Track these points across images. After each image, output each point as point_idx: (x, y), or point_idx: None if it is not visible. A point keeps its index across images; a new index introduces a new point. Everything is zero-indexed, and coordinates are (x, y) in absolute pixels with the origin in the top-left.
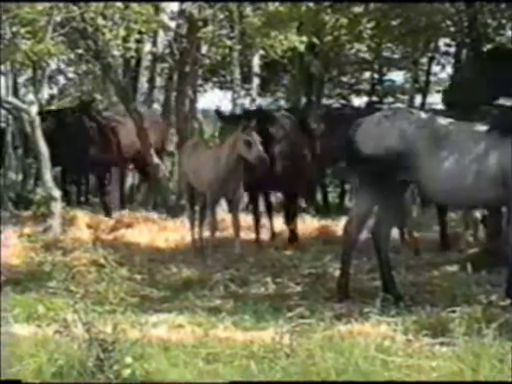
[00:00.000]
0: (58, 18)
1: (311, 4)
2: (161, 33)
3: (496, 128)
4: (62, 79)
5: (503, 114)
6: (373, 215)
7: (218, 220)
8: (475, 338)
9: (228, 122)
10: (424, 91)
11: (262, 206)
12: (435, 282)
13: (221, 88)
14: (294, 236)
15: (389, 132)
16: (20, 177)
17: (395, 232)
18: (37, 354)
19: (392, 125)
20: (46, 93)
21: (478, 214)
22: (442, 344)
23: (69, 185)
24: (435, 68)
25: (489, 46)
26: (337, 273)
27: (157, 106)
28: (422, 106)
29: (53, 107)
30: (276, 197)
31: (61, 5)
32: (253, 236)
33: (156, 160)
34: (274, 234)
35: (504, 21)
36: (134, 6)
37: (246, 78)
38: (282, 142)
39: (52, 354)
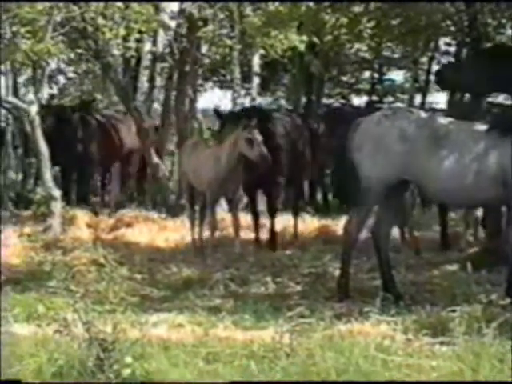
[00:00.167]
0: (58, 18)
1: (311, 4)
2: (161, 32)
3: (496, 127)
4: (62, 79)
5: (503, 113)
6: (373, 215)
7: (218, 219)
8: (475, 337)
9: (227, 120)
10: (424, 91)
11: (262, 207)
12: (435, 281)
13: (221, 87)
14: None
15: (389, 131)
16: (20, 176)
17: (396, 231)
18: (37, 353)
19: (392, 124)
20: (45, 92)
21: (478, 214)
22: (441, 343)
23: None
24: (435, 67)
25: (489, 45)
26: (337, 272)
27: (157, 106)
28: (422, 106)
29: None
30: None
31: (61, 4)
32: (252, 236)
33: (156, 159)
34: (275, 234)
35: (504, 20)
36: (134, 5)
37: (246, 78)
38: (281, 140)
39: (52, 353)
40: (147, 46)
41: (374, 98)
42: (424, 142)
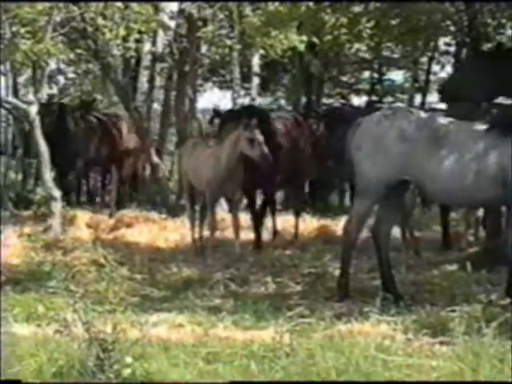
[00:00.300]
0: (58, 18)
1: (311, 4)
2: (160, 32)
3: (495, 127)
4: (61, 79)
5: (503, 113)
6: (373, 215)
7: (218, 220)
8: (475, 337)
9: (226, 119)
10: (424, 90)
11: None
12: (435, 281)
13: (220, 88)
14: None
15: (388, 132)
16: (20, 176)
17: (396, 231)
18: (37, 353)
19: (392, 124)
20: (44, 93)
21: (479, 214)
22: (441, 343)
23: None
24: (435, 67)
25: (489, 45)
26: (337, 272)
27: (157, 106)
28: (422, 106)
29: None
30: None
31: (61, 5)
32: (252, 236)
33: (156, 159)
34: (275, 233)
35: (504, 20)
36: (134, 5)
37: (246, 78)
38: (279, 139)
39: (52, 353)
40: (147, 47)
41: (374, 98)
42: (424, 142)
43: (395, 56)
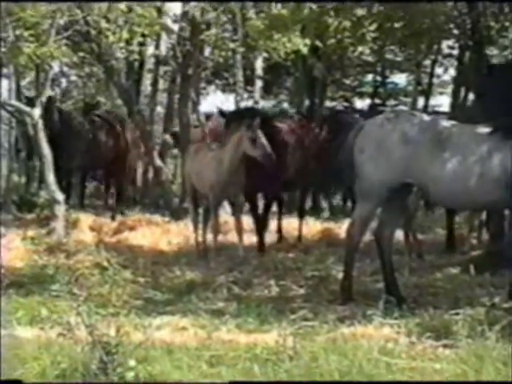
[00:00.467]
0: (61, 21)
1: (314, 7)
2: (164, 36)
3: (499, 130)
4: (64, 82)
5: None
6: (376, 218)
7: (221, 223)
8: (478, 340)
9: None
10: (427, 93)
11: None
12: (438, 284)
13: (224, 91)
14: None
15: (391, 134)
16: (23, 179)
17: (399, 234)
18: (40, 356)
19: (394, 127)
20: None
21: (483, 217)
22: (445, 346)
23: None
24: (438, 70)
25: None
26: (340, 275)
27: (160, 109)
28: (425, 109)
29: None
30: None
31: (64, 8)
32: (255, 239)
33: (159, 163)
34: (281, 237)
35: (507, 23)
36: (137, 9)
37: (249, 81)
38: (281, 142)
39: (55, 356)
40: (150, 50)
41: (377, 101)
42: (427, 145)
43: (398, 59)
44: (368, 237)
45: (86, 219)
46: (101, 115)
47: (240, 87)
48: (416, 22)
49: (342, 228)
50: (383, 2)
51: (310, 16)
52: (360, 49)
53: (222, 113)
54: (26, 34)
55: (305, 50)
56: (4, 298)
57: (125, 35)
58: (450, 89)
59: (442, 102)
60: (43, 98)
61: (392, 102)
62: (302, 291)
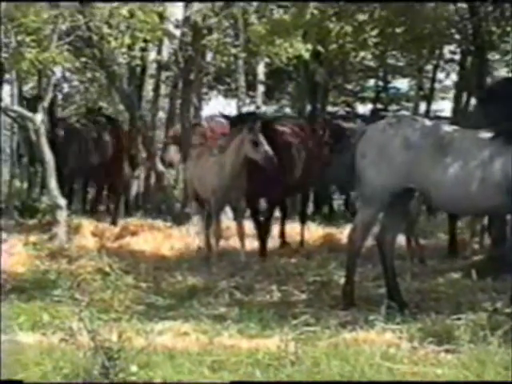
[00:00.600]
0: (64, 27)
1: (316, 12)
2: (166, 41)
3: (500, 135)
4: (66, 87)
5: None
6: (378, 222)
7: (223, 228)
8: (480, 345)
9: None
10: (429, 98)
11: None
12: (440, 289)
13: (226, 96)
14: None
15: (393, 139)
16: (25, 185)
17: (401, 239)
18: (42, 362)
19: (396, 132)
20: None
21: (485, 221)
22: (447, 351)
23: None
24: (440, 75)
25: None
26: (342, 280)
27: (162, 114)
28: (427, 114)
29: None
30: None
31: (66, 13)
32: (257, 244)
33: (160, 168)
34: (284, 242)
35: (508, 28)
36: (139, 14)
37: (251, 86)
38: (283, 147)
39: (57, 362)
40: (152, 55)
41: (379, 106)
42: (428, 150)
43: (400, 64)
44: (370, 242)
45: (87, 225)
46: (97, 120)
47: (242, 92)
48: (418, 27)
49: (343, 233)
50: (387, 1)
51: (311, 21)
52: (362, 54)
53: (224, 116)
54: (28, 39)
55: (307, 55)
56: (6, 303)
57: (127, 41)
58: (451, 94)
59: (444, 107)
60: (45, 104)
61: (394, 107)
62: (303, 296)
